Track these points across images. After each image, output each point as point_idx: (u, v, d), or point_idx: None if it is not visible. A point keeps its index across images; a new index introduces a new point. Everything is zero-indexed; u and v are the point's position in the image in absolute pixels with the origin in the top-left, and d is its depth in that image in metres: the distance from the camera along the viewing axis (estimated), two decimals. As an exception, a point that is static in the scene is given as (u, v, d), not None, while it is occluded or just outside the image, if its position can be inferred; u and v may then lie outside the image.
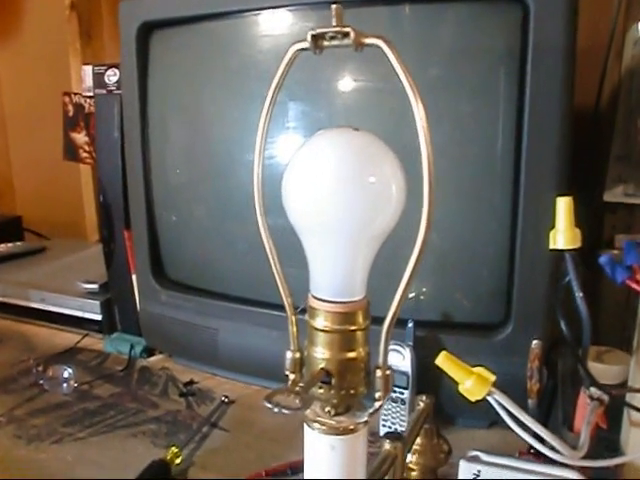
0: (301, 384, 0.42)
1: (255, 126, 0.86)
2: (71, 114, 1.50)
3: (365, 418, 0.45)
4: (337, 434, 0.44)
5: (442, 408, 0.78)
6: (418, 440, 0.64)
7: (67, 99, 1.51)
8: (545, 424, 0.73)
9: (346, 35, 0.40)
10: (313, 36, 0.41)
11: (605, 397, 0.59)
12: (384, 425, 0.81)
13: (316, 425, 0.44)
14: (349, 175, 0.41)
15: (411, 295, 0.84)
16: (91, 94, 1.13)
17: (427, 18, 0.79)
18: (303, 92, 0.85)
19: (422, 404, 0.64)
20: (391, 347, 0.77)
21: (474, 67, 0.77)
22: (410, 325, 0.80)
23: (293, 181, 0.43)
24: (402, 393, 0.79)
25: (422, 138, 0.38)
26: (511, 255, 0.77)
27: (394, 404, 0.79)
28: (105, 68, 1.08)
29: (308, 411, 0.44)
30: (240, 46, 0.90)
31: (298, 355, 0.46)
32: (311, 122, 0.86)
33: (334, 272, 0.44)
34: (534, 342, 0.71)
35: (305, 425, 0.45)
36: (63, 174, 1.67)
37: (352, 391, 0.44)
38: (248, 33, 0.89)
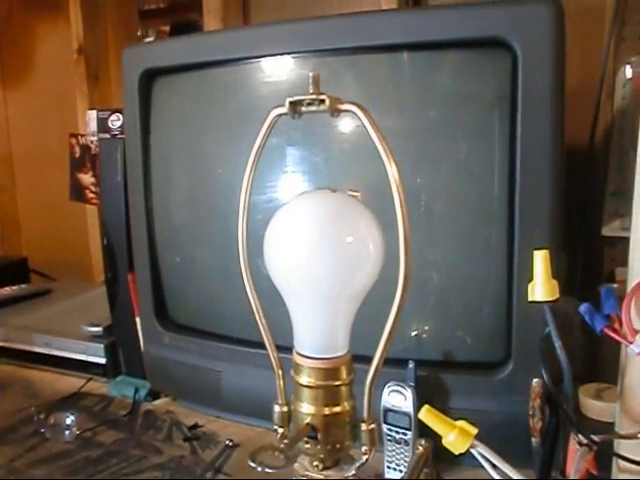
0: (285, 441, 0.42)
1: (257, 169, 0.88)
2: (77, 155, 1.52)
3: (353, 472, 0.45)
4: (325, 488, 0.44)
5: (446, 448, 0.77)
6: (418, 485, 0.64)
7: (74, 140, 1.53)
8: (550, 462, 0.73)
9: (322, 102, 0.41)
10: (291, 102, 0.42)
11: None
12: (389, 467, 0.81)
13: (305, 480, 0.45)
14: (327, 236, 0.42)
15: (413, 334, 0.84)
16: (95, 138, 1.15)
17: (423, 65, 0.81)
18: (300, 137, 0.87)
19: (421, 448, 0.64)
20: (393, 388, 0.78)
21: (469, 111, 0.79)
22: (411, 366, 0.79)
23: (273, 242, 0.44)
24: (405, 434, 0.78)
25: (397, 200, 0.38)
26: (509, 293, 0.78)
27: (398, 445, 0.79)
28: (109, 113, 1.10)
29: (297, 465, 0.45)
30: (240, 92, 0.92)
31: (286, 409, 0.47)
32: (308, 166, 0.87)
33: (315, 329, 0.45)
34: (535, 380, 0.71)
35: (294, 480, 0.45)
36: (70, 215, 1.69)
37: (338, 445, 0.45)
38: (248, 79, 0.91)
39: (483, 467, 0.83)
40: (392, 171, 0.39)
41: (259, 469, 0.38)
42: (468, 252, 0.82)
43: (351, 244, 0.43)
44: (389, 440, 0.79)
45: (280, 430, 0.47)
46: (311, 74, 0.40)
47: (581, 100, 1.01)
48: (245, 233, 0.47)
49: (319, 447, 0.44)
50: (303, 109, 0.43)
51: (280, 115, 0.44)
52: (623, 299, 0.58)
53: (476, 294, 0.82)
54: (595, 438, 0.57)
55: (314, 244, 0.42)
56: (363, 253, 0.43)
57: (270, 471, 0.38)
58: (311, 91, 0.41)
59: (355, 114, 0.40)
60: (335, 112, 0.41)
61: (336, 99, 0.41)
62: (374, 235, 0.43)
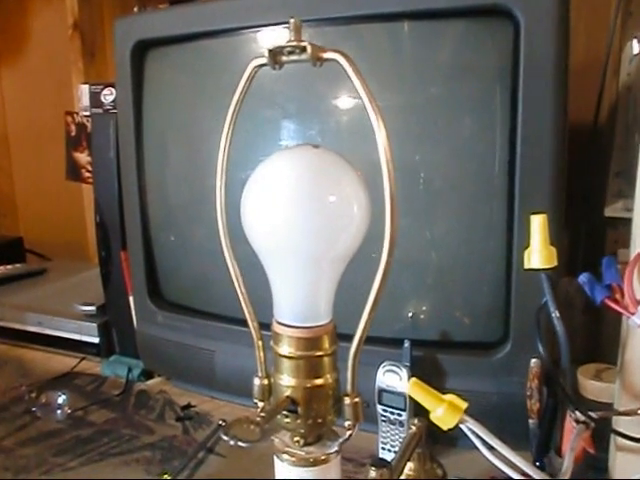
0: (262, 414, 0.40)
1: (251, 144, 0.86)
2: (74, 133, 1.50)
3: (336, 448, 0.43)
4: (307, 465, 0.43)
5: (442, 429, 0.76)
6: (411, 465, 0.63)
7: (70, 118, 1.51)
8: (547, 443, 0.72)
9: (304, 49, 0.39)
10: (270, 51, 0.39)
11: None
12: (383, 448, 0.79)
13: (285, 456, 0.43)
14: (308, 194, 0.40)
15: (410, 314, 0.83)
16: (88, 113, 1.12)
17: (423, 35, 0.78)
18: (296, 109, 0.85)
19: (414, 428, 0.62)
20: (387, 368, 0.76)
21: (469, 84, 0.76)
22: (407, 345, 0.78)
23: (251, 201, 0.42)
24: (400, 415, 0.77)
25: (382, 153, 0.36)
26: (508, 273, 0.76)
27: (392, 426, 0.77)
28: (101, 87, 1.08)
29: (277, 441, 0.43)
30: (234, 64, 0.89)
31: (266, 382, 0.45)
32: (304, 139, 0.85)
33: (296, 295, 0.42)
34: (533, 361, 0.70)
35: (275, 456, 0.43)
36: (66, 194, 1.67)
37: (320, 420, 0.43)
38: (243, 50, 0.89)
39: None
40: (378, 125, 0.36)
41: (231, 442, 0.36)
42: (468, 231, 0.80)
43: (333, 203, 0.40)
44: (383, 421, 0.77)
45: (260, 404, 0.45)
46: (292, 20, 0.38)
47: (586, 77, 0.99)
48: (224, 197, 0.45)
49: (299, 422, 0.42)
50: (284, 58, 0.40)
51: (260, 66, 0.42)
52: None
53: (475, 273, 0.81)
54: (592, 415, 0.55)
55: (293, 202, 0.40)
56: (346, 214, 0.40)
57: (243, 445, 0.36)
58: (292, 38, 0.39)
59: (338, 63, 0.37)
60: (317, 61, 0.38)
61: (318, 47, 0.38)
62: (359, 196, 0.41)
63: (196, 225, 0.98)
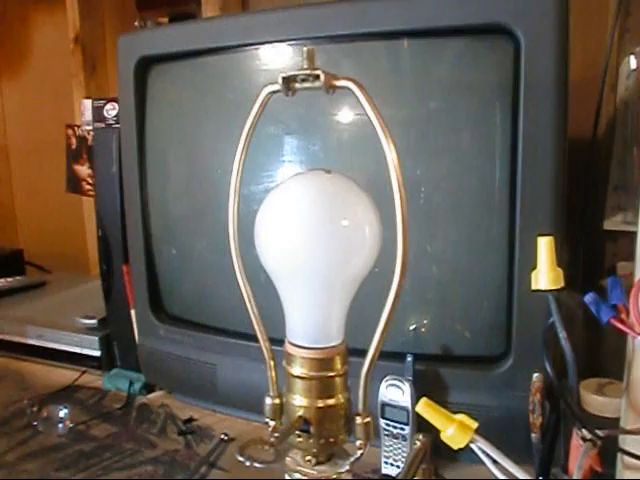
0: (276, 434, 0.40)
1: (253, 159, 0.87)
2: (74, 146, 1.50)
3: (347, 467, 0.43)
4: (319, 484, 0.43)
5: (445, 444, 0.76)
6: (416, 480, 0.63)
7: (70, 131, 1.51)
8: (549, 458, 0.72)
9: (317, 77, 0.39)
10: (284, 78, 0.40)
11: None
12: (386, 462, 0.79)
13: (297, 475, 0.43)
14: (321, 219, 0.40)
15: (412, 327, 0.83)
16: (90, 128, 1.13)
17: (423, 53, 0.79)
18: (299, 126, 0.85)
19: (418, 443, 0.62)
20: (390, 382, 0.76)
21: (470, 101, 0.77)
22: (409, 359, 0.78)
23: (265, 225, 0.42)
24: (403, 429, 0.77)
25: (394, 181, 0.37)
26: (510, 287, 0.76)
27: (395, 440, 0.77)
28: (104, 102, 1.08)
29: (289, 460, 0.43)
30: (237, 80, 0.90)
31: (278, 401, 0.45)
32: (306, 155, 0.86)
33: (309, 317, 0.43)
34: (535, 375, 0.70)
35: (286, 475, 0.44)
36: (66, 207, 1.67)
37: (332, 439, 0.43)
38: (245, 67, 0.89)
39: (482, 463, 0.82)
40: (390, 150, 0.37)
41: (247, 464, 0.36)
42: (468, 245, 0.81)
43: (346, 227, 0.41)
44: (386, 435, 0.77)
45: (272, 423, 0.45)
46: (305, 48, 0.39)
47: (584, 92, 1.00)
48: (236, 218, 0.45)
49: (312, 441, 0.43)
50: (297, 86, 0.41)
51: (273, 92, 0.42)
52: (630, 290, 0.56)
53: (476, 287, 0.81)
54: (600, 433, 0.55)
55: (307, 227, 0.40)
56: (359, 237, 0.41)
57: (259, 466, 0.36)
58: (305, 66, 0.39)
59: (351, 90, 0.38)
60: (330, 88, 0.39)
61: (331, 75, 0.39)
62: (370, 219, 0.41)
63: (198, 239, 0.99)
